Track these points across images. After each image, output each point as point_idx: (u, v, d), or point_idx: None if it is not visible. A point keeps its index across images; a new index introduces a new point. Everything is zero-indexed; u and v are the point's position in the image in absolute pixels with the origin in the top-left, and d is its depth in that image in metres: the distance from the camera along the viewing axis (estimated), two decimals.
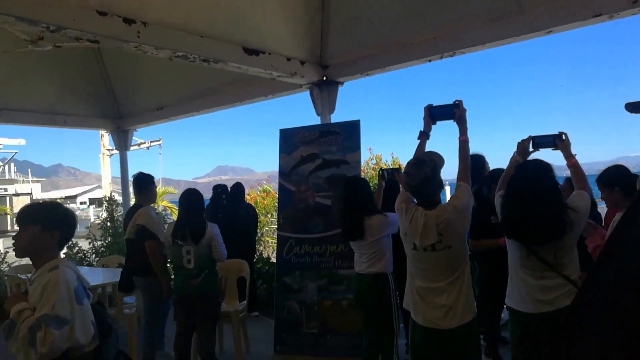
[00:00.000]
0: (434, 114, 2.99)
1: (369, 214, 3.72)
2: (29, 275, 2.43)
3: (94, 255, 8.33)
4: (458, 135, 2.82)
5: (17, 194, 34.59)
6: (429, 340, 2.62)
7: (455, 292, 2.54)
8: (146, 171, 4.81)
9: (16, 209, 32.94)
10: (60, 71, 6.93)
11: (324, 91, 5.40)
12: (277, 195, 8.84)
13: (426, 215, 2.57)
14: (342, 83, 5.43)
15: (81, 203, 51.55)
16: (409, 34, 4.63)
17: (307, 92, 5.64)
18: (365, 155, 5.30)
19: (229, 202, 6.29)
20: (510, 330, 2.82)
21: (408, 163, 2.76)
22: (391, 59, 4.84)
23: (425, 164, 2.62)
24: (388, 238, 3.74)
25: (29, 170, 42.67)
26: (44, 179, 65.13)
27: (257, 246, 8.23)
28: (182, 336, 4.12)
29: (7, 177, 36.63)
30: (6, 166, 36.69)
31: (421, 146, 2.96)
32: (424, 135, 2.98)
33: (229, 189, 6.41)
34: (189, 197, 4.19)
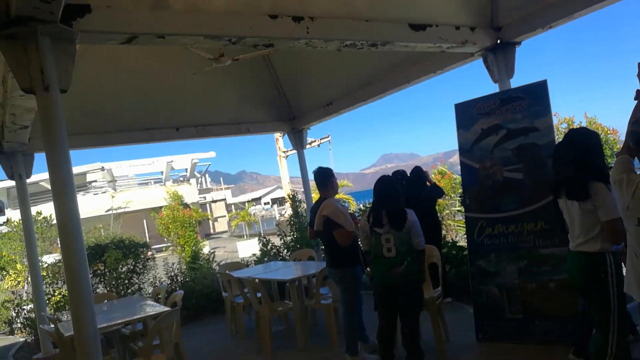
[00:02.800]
0: None
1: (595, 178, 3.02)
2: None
3: (285, 250, 8.95)
4: None
5: (214, 201, 39.42)
6: None
7: None
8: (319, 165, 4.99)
9: (215, 214, 37.63)
10: (239, 83, 7.56)
11: (500, 55, 4.92)
12: (456, 176, 8.47)
13: None
14: (519, 43, 4.90)
15: (265, 204, 56.38)
16: None
17: (479, 61, 5.22)
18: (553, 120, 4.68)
19: (410, 186, 6.18)
20: None
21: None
22: (577, 3, 4.19)
23: None
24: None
25: (221, 178, 48.22)
26: (233, 185, 73.07)
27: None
28: (387, 328, 4.09)
29: (203, 187, 41.80)
30: (202, 177, 41.89)
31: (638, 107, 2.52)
32: None
33: (409, 174, 6.34)
34: (385, 184, 4.17)
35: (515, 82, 5.00)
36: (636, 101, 2.64)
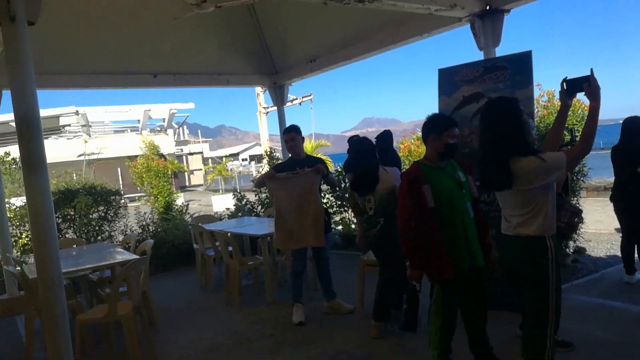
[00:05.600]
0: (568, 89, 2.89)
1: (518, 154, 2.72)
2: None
3: (260, 207, 8.95)
4: None
5: (191, 153, 38.98)
6: None
7: None
8: (300, 126, 4.99)
9: (192, 167, 37.30)
10: (220, 32, 7.32)
11: (487, 22, 4.85)
12: None
13: None
14: (508, 11, 4.82)
15: (243, 160, 56.11)
16: None
17: (466, 27, 5.15)
18: (534, 92, 4.67)
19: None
20: None
21: None
22: None
23: None
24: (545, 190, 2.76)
25: (199, 131, 47.59)
26: (211, 139, 72.27)
27: None
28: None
29: (181, 138, 41.23)
30: (180, 129, 41.25)
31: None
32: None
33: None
34: (353, 148, 4.37)
35: (501, 51, 4.97)
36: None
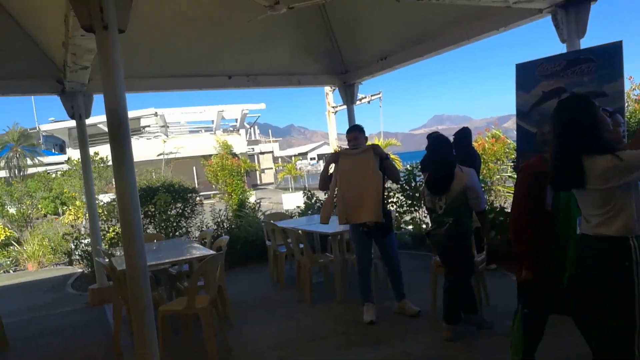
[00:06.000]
0: None
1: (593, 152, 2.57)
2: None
3: None
4: None
5: (262, 153, 39.98)
6: None
7: None
8: (368, 124, 5.04)
9: (263, 166, 38.27)
10: (292, 33, 7.44)
11: (571, 12, 4.58)
12: (510, 141, 8.16)
13: None
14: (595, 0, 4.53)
15: (311, 159, 56.73)
16: None
17: (547, 19, 4.89)
18: (625, 86, 4.36)
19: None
20: None
21: None
22: None
23: None
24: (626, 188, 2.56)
25: (270, 131, 48.68)
26: (280, 138, 73.74)
27: (488, 196, 7.79)
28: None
29: (252, 138, 42.37)
30: (251, 129, 42.40)
31: None
32: None
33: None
34: (430, 148, 4.29)
35: (586, 43, 4.68)
36: None
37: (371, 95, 20.34)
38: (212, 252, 5.03)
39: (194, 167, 25.98)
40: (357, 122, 7.99)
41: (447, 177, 4.02)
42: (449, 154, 4.17)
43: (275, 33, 7.12)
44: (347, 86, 8.30)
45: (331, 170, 5.08)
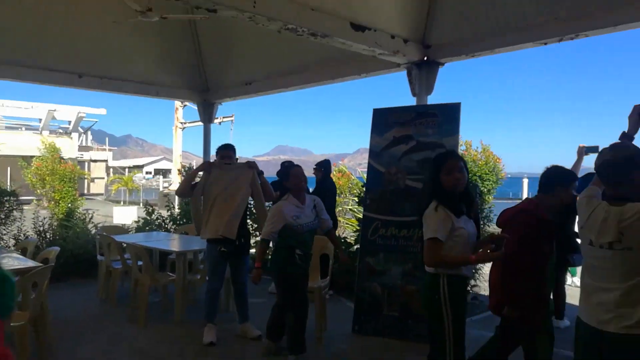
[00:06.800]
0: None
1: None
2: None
3: (171, 223, 8.62)
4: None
5: (94, 160, 36.66)
6: (592, 339, 2.37)
7: (631, 299, 2.23)
8: (214, 145, 5.15)
9: (93, 175, 34.99)
10: (158, 43, 7.15)
11: (423, 72, 5.24)
12: (353, 177, 8.79)
13: (608, 211, 2.32)
14: (442, 64, 5.26)
15: (147, 173, 53.79)
16: (523, 15, 4.38)
17: (402, 73, 5.51)
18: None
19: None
20: None
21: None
22: (500, 41, 4.61)
23: (623, 150, 2.38)
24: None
25: (106, 138, 44.98)
26: (115, 148, 68.62)
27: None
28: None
29: (84, 144, 38.69)
30: (84, 134, 38.75)
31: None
32: (625, 138, 2.63)
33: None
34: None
35: (432, 99, 5.37)
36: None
37: (223, 117, 20.23)
38: (36, 263, 4.44)
39: (9, 168, 22.74)
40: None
41: None
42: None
43: (139, 39, 6.78)
44: (206, 104, 8.19)
45: (197, 180, 4.94)
